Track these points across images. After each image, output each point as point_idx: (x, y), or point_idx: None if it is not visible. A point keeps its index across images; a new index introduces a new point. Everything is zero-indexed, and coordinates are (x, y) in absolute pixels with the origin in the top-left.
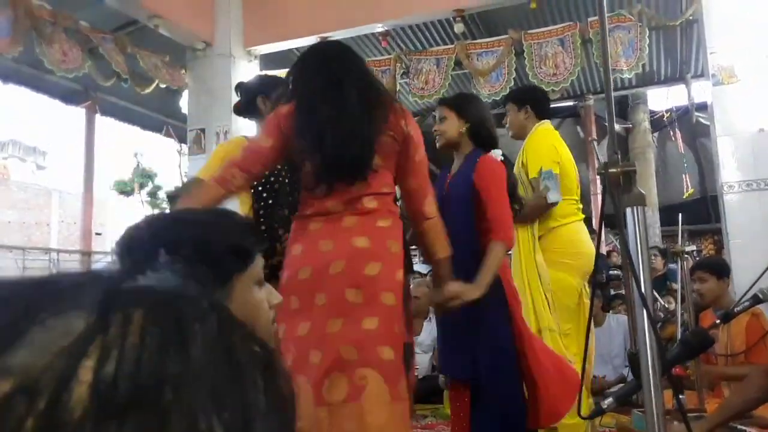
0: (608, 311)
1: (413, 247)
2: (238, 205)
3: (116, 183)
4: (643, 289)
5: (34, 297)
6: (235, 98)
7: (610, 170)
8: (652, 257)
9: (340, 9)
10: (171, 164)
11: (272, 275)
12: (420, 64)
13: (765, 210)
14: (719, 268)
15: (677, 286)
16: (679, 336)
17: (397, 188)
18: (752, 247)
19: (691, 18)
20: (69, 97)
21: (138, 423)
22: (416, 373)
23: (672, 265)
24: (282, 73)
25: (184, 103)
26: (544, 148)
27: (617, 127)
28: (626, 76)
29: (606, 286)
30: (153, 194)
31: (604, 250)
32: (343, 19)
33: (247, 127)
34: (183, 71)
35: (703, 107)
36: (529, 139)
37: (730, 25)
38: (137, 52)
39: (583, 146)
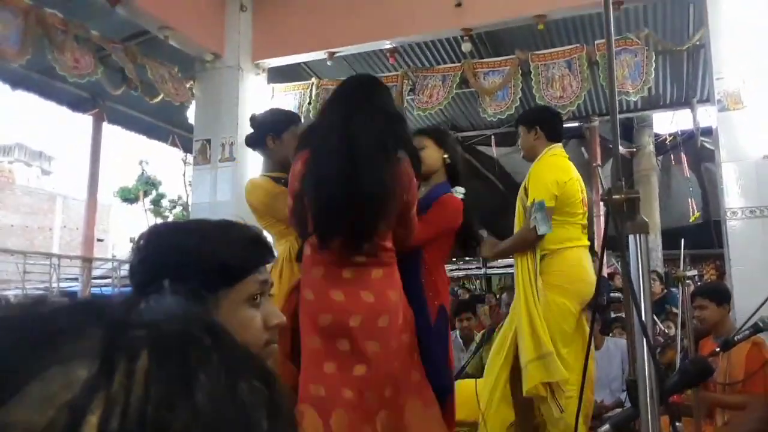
0: (607, 334)
1: None
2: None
3: (120, 190)
4: (643, 318)
5: (33, 341)
6: (242, 110)
7: (614, 196)
8: (651, 281)
9: (349, 25)
10: (175, 173)
11: None
12: (426, 81)
13: None
14: (720, 295)
15: (677, 310)
16: (678, 362)
17: None
18: (754, 273)
19: (698, 43)
20: (76, 104)
21: None
22: None
23: (673, 289)
24: (290, 87)
25: (191, 114)
26: (544, 179)
27: (621, 149)
28: (632, 99)
29: (606, 309)
30: (156, 202)
31: (605, 272)
32: (351, 35)
33: None
34: (189, 84)
35: (708, 132)
36: (535, 165)
37: (737, 51)
38: (146, 62)
39: (587, 167)
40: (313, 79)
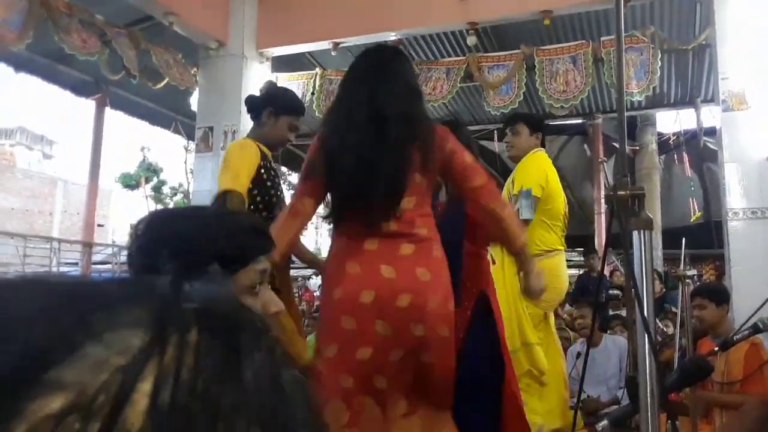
0: (605, 331)
1: None
2: None
3: (121, 176)
4: (645, 314)
5: (88, 306)
6: (246, 98)
7: (619, 193)
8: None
9: (355, 16)
10: (176, 160)
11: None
12: (430, 73)
13: None
14: (719, 295)
15: (675, 309)
16: (676, 361)
17: None
18: (754, 274)
19: (704, 43)
20: (80, 88)
21: None
22: None
23: (672, 292)
24: (294, 76)
25: (194, 101)
26: (533, 169)
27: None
28: (636, 98)
29: (604, 306)
30: (157, 189)
31: (606, 270)
32: (356, 26)
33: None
34: (194, 70)
35: (711, 132)
36: (526, 159)
37: (743, 51)
38: (151, 47)
39: (589, 165)
40: (317, 69)
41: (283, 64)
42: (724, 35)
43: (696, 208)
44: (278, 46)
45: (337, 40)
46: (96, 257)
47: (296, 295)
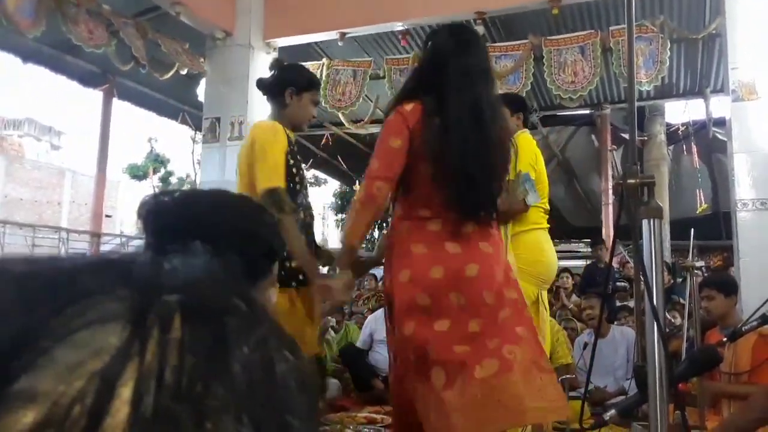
0: (613, 322)
1: None
2: None
3: (129, 167)
4: (655, 302)
5: (56, 299)
6: (252, 89)
7: (629, 181)
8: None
9: (362, 6)
10: (184, 151)
11: (291, 277)
12: None
13: None
14: (727, 286)
15: (683, 300)
16: (684, 352)
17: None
18: (763, 265)
19: (714, 32)
20: (87, 79)
21: None
22: None
23: (678, 279)
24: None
25: (200, 92)
26: (526, 152)
27: None
28: (645, 88)
29: (612, 297)
30: (165, 180)
31: (614, 261)
32: (363, 16)
33: (260, 117)
34: (202, 60)
35: (720, 122)
36: (518, 138)
37: (754, 41)
38: (158, 37)
39: (597, 155)
40: (324, 60)
41: (289, 54)
42: (734, 24)
43: (704, 199)
44: (285, 36)
45: (344, 30)
46: (104, 248)
47: None
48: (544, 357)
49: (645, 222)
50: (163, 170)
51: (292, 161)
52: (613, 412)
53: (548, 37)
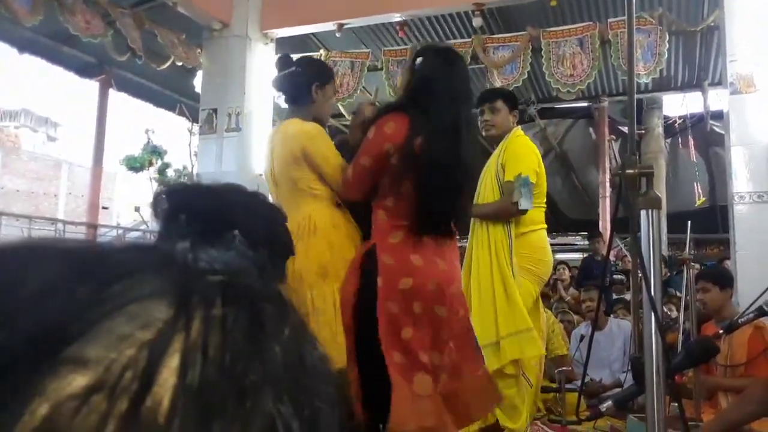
0: (609, 315)
1: None
2: None
3: (126, 158)
4: (652, 293)
5: (106, 275)
6: (249, 80)
7: (627, 171)
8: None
9: None
10: (180, 143)
11: None
12: None
13: None
14: (723, 279)
15: (680, 293)
16: (680, 344)
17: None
18: (759, 258)
19: (712, 24)
20: (84, 69)
21: None
22: None
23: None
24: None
25: (197, 83)
26: (528, 155)
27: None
28: (643, 81)
29: (608, 290)
30: (161, 171)
31: (611, 254)
32: (361, 7)
33: (258, 109)
34: (199, 51)
35: (718, 115)
36: (510, 142)
37: (752, 33)
38: (155, 28)
39: (594, 148)
40: (322, 51)
41: (287, 45)
42: (732, 17)
43: (701, 192)
44: (282, 27)
45: (342, 22)
46: (101, 240)
47: None
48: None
49: (643, 212)
50: (160, 162)
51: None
52: (609, 403)
53: (547, 29)
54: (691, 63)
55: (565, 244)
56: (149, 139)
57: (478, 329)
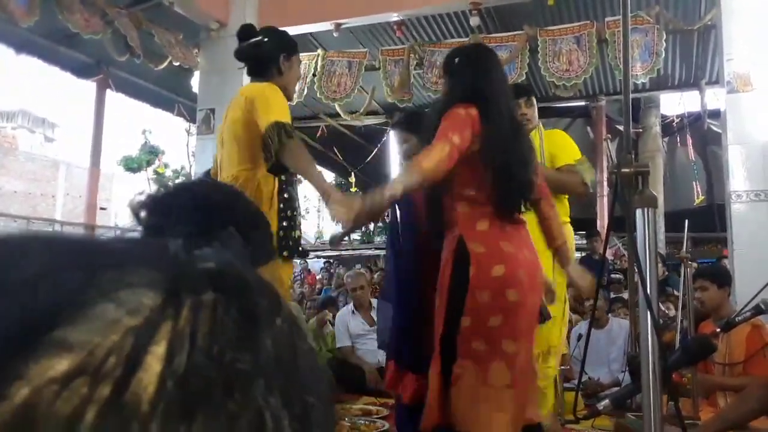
0: (608, 314)
1: None
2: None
3: (124, 159)
4: (648, 291)
5: (97, 263)
6: (247, 80)
7: (623, 170)
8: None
9: None
10: (178, 143)
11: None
12: (434, 57)
13: None
14: (721, 277)
15: (677, 292)
16: (677, 343)
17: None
18: (757, 257)
19: (709, 23)
20: (81, 70)
21: (206, 424)
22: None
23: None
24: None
25: (195, 83)
26: (572, 142)
27: None
28: (641, 80)
29: (606, 289)
30: (159, 172)
31: (609, 253)
32: (358, 7)
33: None
34: (196, 51)
35: (715, 114)
36: (548, 134)
37: (749, 32)
38: (152, 28)
39: (592, 147)
40: (319, 51)
41: None
42: (729, 16)
43: (699, 191)
44: (279, 26)
45: (339, 21)
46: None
47: (297, 278)
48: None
49: (639, 211)
50: (157, 162)
51: None
52: (606, 402)
53: (544, 28)
54: (689, 62)
55: None
56: (147, 139)
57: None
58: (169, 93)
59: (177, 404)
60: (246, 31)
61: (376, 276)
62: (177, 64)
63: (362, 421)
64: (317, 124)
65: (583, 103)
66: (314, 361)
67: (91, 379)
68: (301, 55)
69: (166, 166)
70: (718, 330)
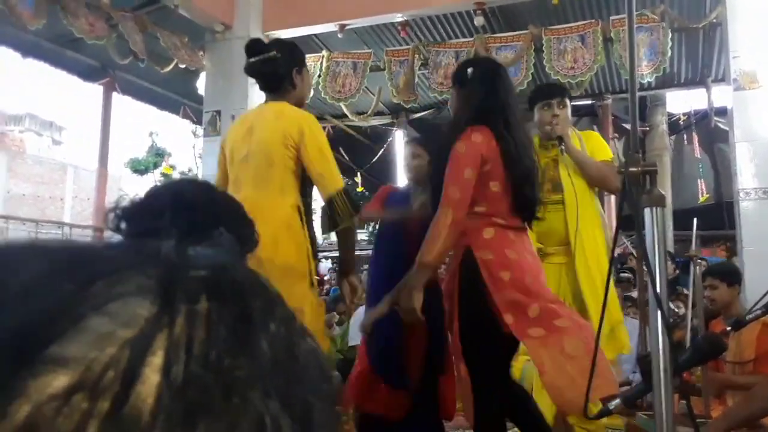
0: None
1: None
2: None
3: (131, 161)
4: (658, 290)
5: (88, 273)
6: (252, 82)
7: (631, 169)
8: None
9: None
10: (184, 145)
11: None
12: (439, 57)
13: None
14: (731, 275)
15: (687, 291)
16: (688, 341)
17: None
18: (766, 254)
19: (714, 21)
20: (88, 73)
21: (208, 430)
22: None
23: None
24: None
25: (201, 85)
26: (605, 143)
27: None
28: (647, 80)
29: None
30: (166, 174)
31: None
32: (362, 7)
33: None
34: (201, 53)
35: (722, 112)
36: (586, 135)
37: (755, 29)
38: (158, 31)
39: None
40: (324, 52)
41: None
42: (734, 13)
43: (705, 189)
44: (284, 28)
45: (344, 22)
46: (105, 241)
47: None
48: None
49: (647, 210)
50: (164, 164)
51: None
52: (617, 401)
53: (548, 27)
54: (695, 60)
55: None
56: (153, 141)
57: (597, 312)
58: (175, 95)
59: (177, 414)
60: (255, 47)
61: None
62: (183, 66)
63: None
64: (323, 125)
65: (589, 102)
66: (316, 360)
67: (90, 394)
68: (306, 56)
69: (173, 167)
70: (729, 328)
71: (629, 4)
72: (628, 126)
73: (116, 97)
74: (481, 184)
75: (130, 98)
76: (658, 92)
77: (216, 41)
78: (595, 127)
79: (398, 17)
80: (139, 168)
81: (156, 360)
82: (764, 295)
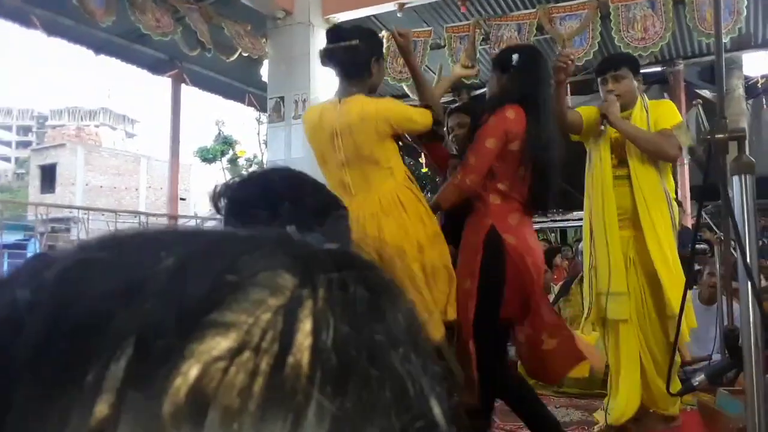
0: (691, 288)
1: None
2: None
3: (199, 150)
4: (748, 261)
5: (233, 250)
6: (314, 66)
7: (717, 136)
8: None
9: None
10: (250, 132)
11: None
12: (501, 31)
13: None
14: None
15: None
16: None
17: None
18: None
19: None
20: (156, 66)
21: (357, 394)
22: None
23: None
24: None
25: (264, 72)
26: (674, 108)
27: (708, 94)
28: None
29: (690, 261)
30: (233, 161)
31: (689, 223)
32: None
33: (323, 94)
34: (264, 41)
35: None
36: (653, 106)
37: None
38: (221, 21)
39: None
40: (384, 32)
41: None
42: None
43: None
44: (344, 11)
45: (402, 1)
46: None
47: None
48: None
49: (735, 178)
50: (231, 152)
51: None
52: (702, 377)
53: None
54: None
55: None
56: (220, 130)
57: (671, 287)
58: (239, 84)
59: (330, 376)
60: (336, 33)
61: None
62: (246, 54)
63: None
64: None
65: (659, 69)
66: (426, 335)
67: (253, 354)
68: None
69: (237, 156)
70: None
71: None
72: (702, 92)
73: (184, 88)
74: (508, 162)
75: (197, 89)
76: (734, 54)
77: (277, 27)
78: (666, 95)
79: None
80: (208, 157)
81: (306, 326)
82: None
